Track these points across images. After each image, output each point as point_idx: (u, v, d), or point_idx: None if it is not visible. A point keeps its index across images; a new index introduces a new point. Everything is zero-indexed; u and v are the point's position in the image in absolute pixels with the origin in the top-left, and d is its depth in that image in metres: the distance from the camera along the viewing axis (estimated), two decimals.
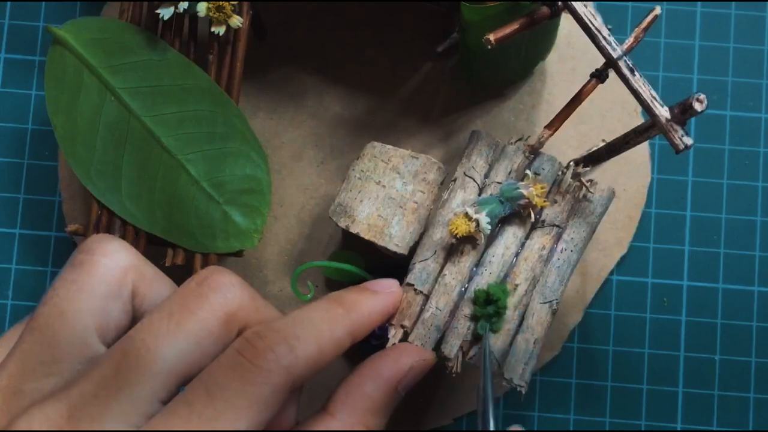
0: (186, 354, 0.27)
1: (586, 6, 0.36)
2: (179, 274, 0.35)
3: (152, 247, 0.42)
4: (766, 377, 0.47)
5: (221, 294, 0.29)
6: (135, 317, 0.31)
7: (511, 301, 0.37)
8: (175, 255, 0.41)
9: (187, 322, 0.28)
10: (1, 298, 0.48)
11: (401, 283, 0.38)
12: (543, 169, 0.39)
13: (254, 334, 0.28)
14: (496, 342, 0.37)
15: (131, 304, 0.30)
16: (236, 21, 0.40)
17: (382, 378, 0.33)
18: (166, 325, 0.27)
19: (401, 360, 0.34)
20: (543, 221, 0.39)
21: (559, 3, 0.36)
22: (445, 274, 0.38)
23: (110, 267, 0.29)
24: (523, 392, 0.37)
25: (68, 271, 0.29)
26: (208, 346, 0.28)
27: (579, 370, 0.47)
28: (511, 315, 0.37)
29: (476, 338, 0.37)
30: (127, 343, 0.27)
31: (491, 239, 0.39)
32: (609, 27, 0.36)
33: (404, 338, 0.37)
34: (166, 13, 0.40)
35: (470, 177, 0.39)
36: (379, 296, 0.35)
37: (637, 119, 0.48)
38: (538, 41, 0.45)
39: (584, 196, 0.39)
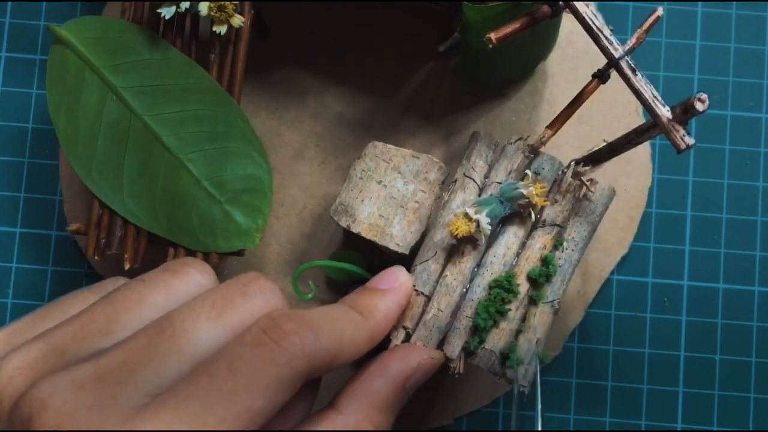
0: (219, 345, 0.27)
1: (587, 6, 0.36)
2: None
3: (153, 247, 0.42)
4: (766, 377, 0.47)
5: (265, 298, 0.29)
6: None
7: (514, 301, 0.37)
8: (176, 254, 0.41)
9: (229, 315, 0.28)
10: (1, 297, 0.48)
11: None
12: (543, 168, 0.39)
13: (281, 316, 0.28)
14: (498, 342, 0.37)
15: None
16: (238, 20, 0.40)
17: (390, 375, 0.33)
18: (207, 313, 0.27)
19: (409, 358, 0.34)
20: (544, 221, 0.39)
21: (561, 2, 0.36)
22: (446, 275, 0.38)
23: (199, 282, 0.30)
24: (526, 392, 0.37)
25: (161, 271, 0.30)
26: None
27: (579, 370, 0.47)
28: (513, 315, 0.37)
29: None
30: (165, 321, 0.27)
31: (492, 239, 0.38)
32: (610, 27, 0.36)
33: (406, 339, 0.37)
34: (167, 12, 0.40)
35: (470, 178, 0.39)
36: (390, 294, 0.35)
37: (638, 119, 0.48)
38: (539, 41, 0.45)
39: (585, 195, 0.39)
